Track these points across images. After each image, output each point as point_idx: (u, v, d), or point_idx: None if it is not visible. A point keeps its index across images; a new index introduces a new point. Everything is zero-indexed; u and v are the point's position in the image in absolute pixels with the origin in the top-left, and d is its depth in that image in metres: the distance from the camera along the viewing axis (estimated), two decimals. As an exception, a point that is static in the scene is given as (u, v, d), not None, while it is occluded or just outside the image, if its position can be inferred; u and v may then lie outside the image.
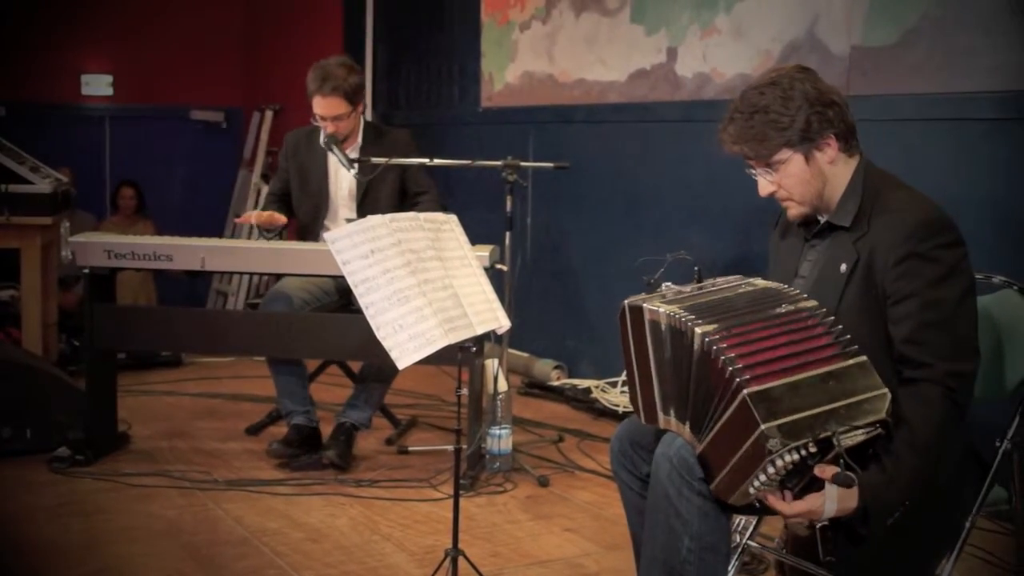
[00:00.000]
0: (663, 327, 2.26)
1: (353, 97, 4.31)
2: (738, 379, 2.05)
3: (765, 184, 2.41)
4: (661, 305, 2.26)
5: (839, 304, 2.30)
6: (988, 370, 2.57)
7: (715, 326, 2.14)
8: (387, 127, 4.62)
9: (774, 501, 2.13)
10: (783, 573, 2.94)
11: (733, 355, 2.08)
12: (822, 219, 2.42)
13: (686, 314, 2.19)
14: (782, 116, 2.30)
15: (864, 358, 2.12)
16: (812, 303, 2.22)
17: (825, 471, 2.07)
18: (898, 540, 2.25)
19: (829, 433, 2.03)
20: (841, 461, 2.05)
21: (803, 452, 2.04)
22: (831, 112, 2.32)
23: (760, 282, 2.36)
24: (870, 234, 2.30)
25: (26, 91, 8.06)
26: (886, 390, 2.10)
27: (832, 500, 2.10)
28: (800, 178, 2.36)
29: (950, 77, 3.91)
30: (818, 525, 2.15)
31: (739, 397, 2.05)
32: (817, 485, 2.10)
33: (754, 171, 2.41)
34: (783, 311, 2.20)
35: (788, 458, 2.04)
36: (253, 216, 4.36)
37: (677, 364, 2.25)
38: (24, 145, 5.50)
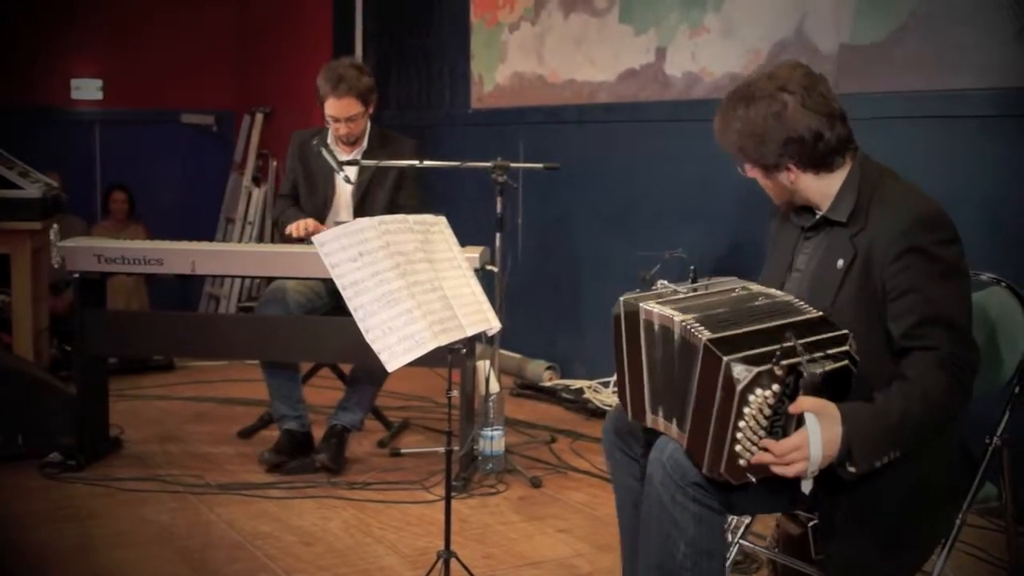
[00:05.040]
0: (656, 327, 2.29)
1: (366, 97, 4.32)
2: (699, 336, 2.12)
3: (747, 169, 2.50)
4: (656, 306, 2.28)
5: (835, 299, 2.31)
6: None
7: (694, 315, 2.20)
8: (395, 134, 4.60)
9: (762, 456, 2.12)
10: (775, 572, 2.95)
11: (703, 328, 2.15)
12: (818, 212, 2.43)
13: (676, 312, 2.22)
14: (745, 144, 2.39)
15: (822, 313, 2.22)
16: (789, 298, 2.30)
17: (800, 403, 2.11)
18: (888, 537, 2.26)
19: (792, 349, 2.08)
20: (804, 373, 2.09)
21: (775, 388, 2.08)
22: (794, 147, 2.35)
23: (755, 287, 2.39)
24: (867, 229, 2.31)
25: (15, 95, 8.03)
26: (847, 331, 2.18)
27: (816, 435, 2.10)
28: (766, 184, 2.48)
29: (939, 74, 3.92)
30: (810, 472, 2.13)
31: (701, 349, 2.11)
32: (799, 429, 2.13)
33: None
34: (759, 303, 2.28)
35: (760, 392, 2.08)
36: (303, 228, 4.27)
37: (666, 362, 2.27)
38: (13, 150, 5.48)
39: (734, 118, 2.39)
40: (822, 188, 2.39)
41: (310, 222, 4.32)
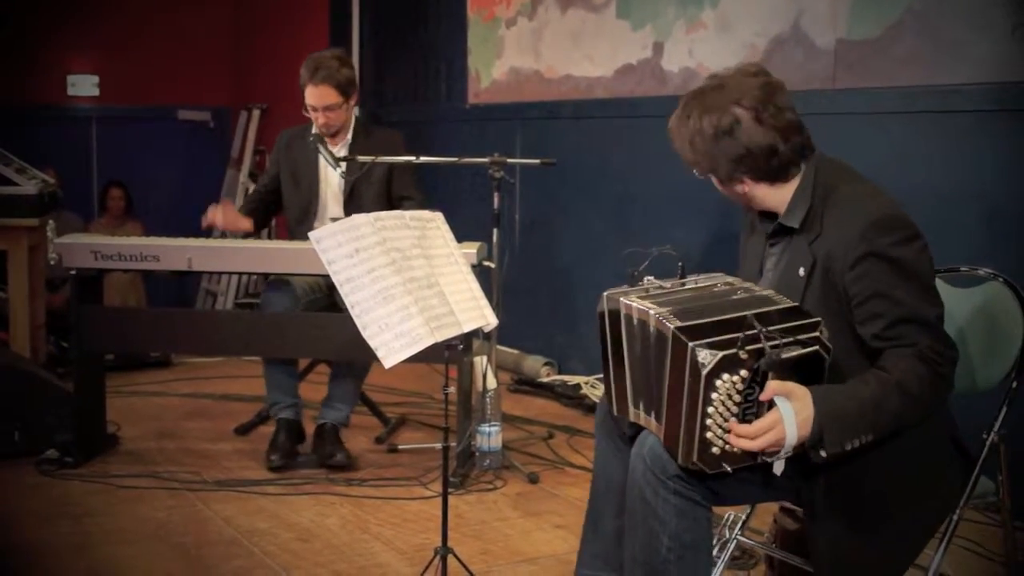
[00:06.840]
0: (635, 321, 2.29)
1: (345, 88, 4.32)
2: (669, 325, 2.13)
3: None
4: (636, 301, 2.28)
5: (801, 305, 2.30)
6: (974, 362, 2.58)
7: (670, 308, 2.20)
8: (377, 126, 4.61)
9: (736, 438, 2.12)
10: (772, 567, 2.95)
11: (676, 319, 2.15)
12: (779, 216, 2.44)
13: (653, 306, 2.23)
14: (696, 153, 2.41)
15: (795, 304, 2.22)
16: (768, 292, 2.29)
17: (769, 388, 2.11)
18: (886, 532, 2.26)
19: (756, 335, 2.08)
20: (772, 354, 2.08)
21: (742, 373, 2.08)
22: (747, 163, 2.35)
23: (738, 282, 2.39)
24: (824, 235, 2.31)
25: (11, 92, 8.03)
26: (819, 319, 2.18)
27: (790, 417, 2.10)
28: (722, 190, 2.48)
29: (935, 70, 3.92)
30: (783, 453, 2.13)
31: (670, 338, 2.12)
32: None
33: None
34: (738, 297, 2.28)
35: (728, 377, 2.08)
36: (219, 219, 4.35)
37: (644, 355, 2.28)
38: (10, 146, 5.48)
39: (687, 129, 2.39)
40: (779, 196, 2.40)
41: (227, 215, 4.38)
